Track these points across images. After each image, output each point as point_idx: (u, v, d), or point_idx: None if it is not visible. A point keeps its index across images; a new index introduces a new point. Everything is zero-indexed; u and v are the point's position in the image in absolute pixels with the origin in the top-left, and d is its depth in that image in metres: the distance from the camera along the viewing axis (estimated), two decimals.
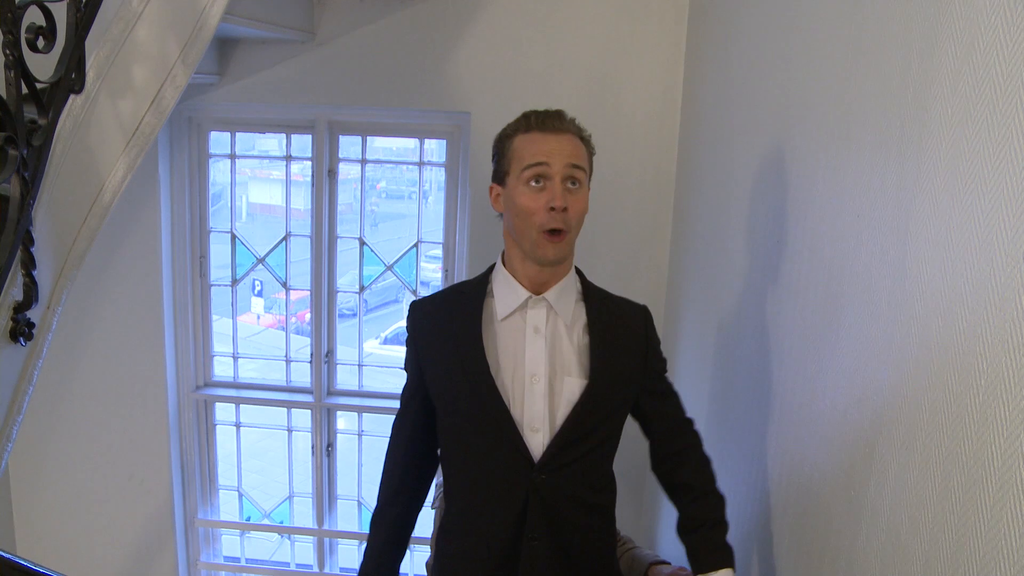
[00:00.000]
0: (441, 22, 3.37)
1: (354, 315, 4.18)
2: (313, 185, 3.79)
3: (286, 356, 4.12)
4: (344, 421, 4.25)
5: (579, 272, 1.89)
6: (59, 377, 3.79)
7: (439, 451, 1.93)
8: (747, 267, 2.20)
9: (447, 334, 1.82)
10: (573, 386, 1.77)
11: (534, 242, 1.69)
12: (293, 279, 4.03)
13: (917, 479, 1.20)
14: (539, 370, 1.76)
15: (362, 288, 4.01)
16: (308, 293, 3.96)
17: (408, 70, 3.44)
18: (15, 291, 1.91)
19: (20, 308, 1.92)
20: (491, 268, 1.89)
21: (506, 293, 1.80)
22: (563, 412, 1.76)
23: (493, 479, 1.80)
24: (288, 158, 3.87)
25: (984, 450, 1.00)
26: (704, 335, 2.70)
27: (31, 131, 1.82)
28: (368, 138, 3.82)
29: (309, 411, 4.06)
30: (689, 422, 1.96)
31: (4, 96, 1.71)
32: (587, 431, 1.78)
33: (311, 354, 4.00)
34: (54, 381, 3.78)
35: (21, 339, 1.93)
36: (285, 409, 4.12)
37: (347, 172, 3.89)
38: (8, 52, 1.70)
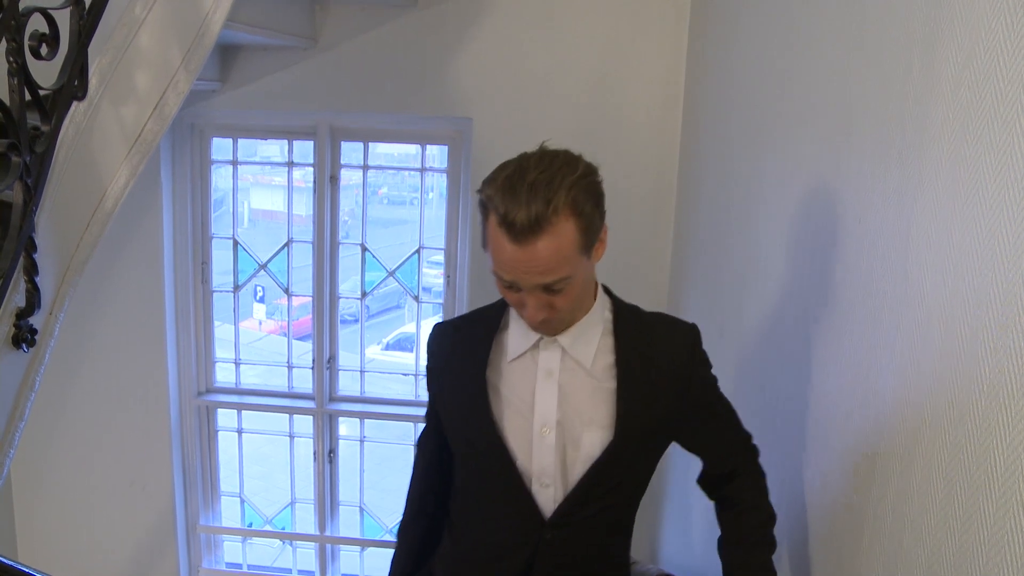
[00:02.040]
0: (442, 28, 3.37)
1: (356, 321, 4.18)
2: (315, 191, 3.80)
3: (288, 362, 4.13)
4: (346, 427, 4.25)
5: (608, 293, 1.63)
6: (61, 383, 3.79)
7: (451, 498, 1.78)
8: (748, 272, 2.20)
9: (458, 368, 1.63)
10: (594, 440, 1.53)
11: (524, 318, 1.47)
12: (295, 285, 4.03)
13: (920, 484, 1.20)
14: (549, 420, 1.53)
15: (364, 294, 4.02)
16: (310, 299, 3.96)
17: (410, 76, 3.44)
18: (18, 297, 1.92)
19: (23, 314, 1.92)
20: None
21: (518, 331, 1.58)
22: (580, 468, 1.54)
23: (498, 529, 1.63)
24: (290, 164, 3.87)
25: (986, 455, 1.00)
26: (706, 340, 2.69)
27: (34, 138, 1.83)
28: (370, 144, 3.82)
29: (311, 417, 4.06)
30: (745, 440, 1.75)
31: (7, 103, 1.72)
32: (608, 488, 1.57)
33: (313, 360, 4.00)
34: (56, 387, 3.78)
35: (24, 345, 1.93)
36: (287, 415, 4.12)
37: (349, 178, 3.90)
38: (12, 59, 1.71)
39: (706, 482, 1.78)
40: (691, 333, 1.63)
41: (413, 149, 3.90)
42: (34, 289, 1.93)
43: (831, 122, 1.64)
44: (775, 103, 2.03)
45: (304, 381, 4.08)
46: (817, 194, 1.70)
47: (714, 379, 1.67)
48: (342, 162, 3.82)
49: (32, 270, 1.91)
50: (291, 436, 4.16)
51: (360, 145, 3.81)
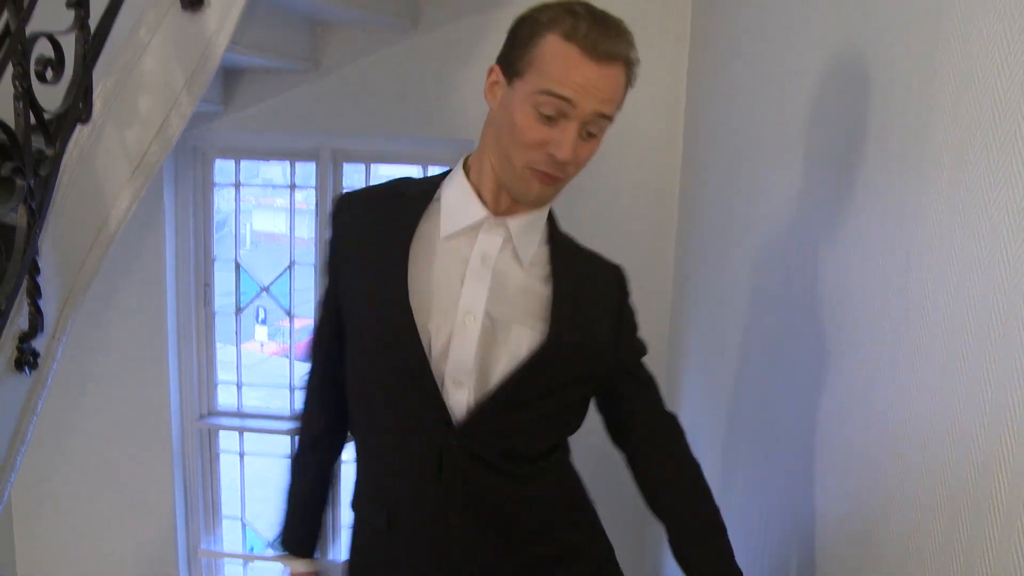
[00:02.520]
0: (444, 51, 3.39)
1: None
2: (317, 213, 3.81)
3: (290, 384, 4.12)
4: (350, 450, 4.22)
5: (551, 214, 1.51)
6: (62, 405, 3.79)
7: (348, 398, 1.56)
8: (751, 292, 2.20)
9: (370, 241, 1.43)
10: (522, 338, 1.38)
11: (517, 174, 1.33)
12: (297, 307, 4.03)
13: (925, 508, 1.19)
14: (475, 308, 1.36)
15: None
16: (312, 321, 3.95)
17: (412, 99, 3.46)
18: (21, 320, 1.92)
19: (25, 337, 1.93)
20: (446, 172, 1.50)
21: (458, 205, 1.41)
22: (502, 368, 1.38)
23: (400, 437, 1.44)
24: (292, 187, 3.88)
25: (989, 478, 1.00)
26: (709, 361, 2.70)
27: (38, 161, 1.84)
28: (372, 165, 3.83)
29: None
30: (674, 416, 1.62)
31: (12, 126, 1.73)
32: (528, 397, 1.40)
33: None
34: (56, 409, 3.77)
35: (26, 368, 1.93)
36: (289, 437, 4.11)
37: None
38: (17, 84, 1.72)
39: (637, 464, 1.61)
40: (620, 271, 1.58)
41: (415, 169, 3.92)
42: (37, 312, 1.93)
43: (831, 140, 1.65)
44: (775, 120, 2.04)
45: None
46: (818, 212, 1.71)
47: (644, 344, 1.62)
48: (344, 184, 3.83)
49: (35, 293, 1.91)
50: None
51: (362, 167, 3.82)
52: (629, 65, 1.31)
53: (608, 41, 1.25)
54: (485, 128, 1.42)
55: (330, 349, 1.56)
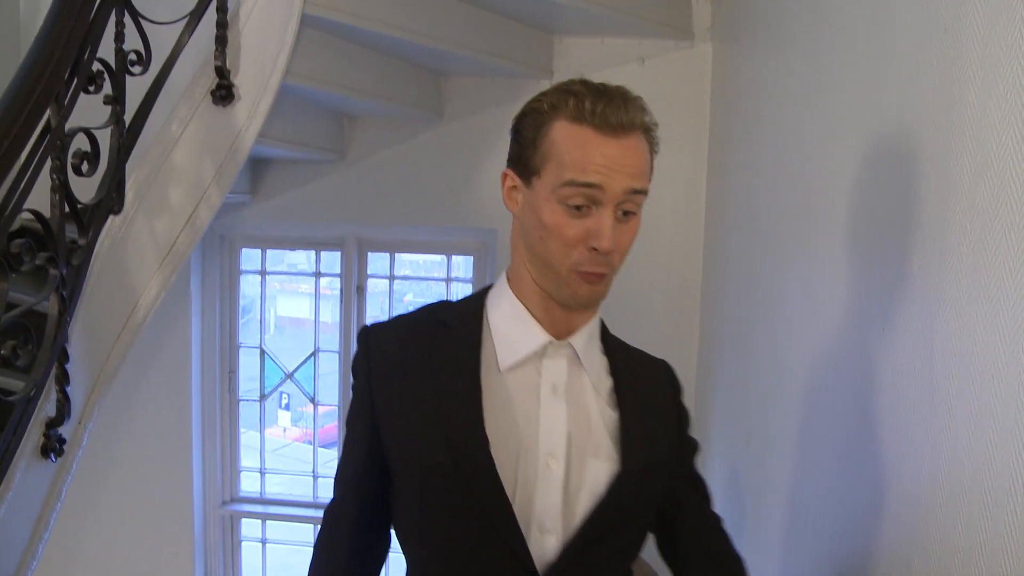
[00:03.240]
0: (467, 141, 3.46)
1: None
2: (342, 302, 3.85)
3: (313, 471, 4.10)
4: None
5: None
6: (85, 492, 3.78)
7: (400, 539, 1.37)
8: (775, 378, 2.19)
9: (421, 380, 1.26)
10: (599, 473, 1.24)
11: (562, 279, 1.19)
12: (320, 393, 4.04)
13: None
14: (558, 449, 1.22)
15: None
16: (336, 407, 3.96)
17: (435, 188, 3.52)
18: (48, 407, 1.94)
19: (52, 424, 1.95)
20: (485, 290, 1.35)
21: (515, 331, 1.27)
22: (584, 507, 1.23)
23: None
24: (317, 274, 3.93)
25: (1021, 564, 0.98)
26: (734, 447, 2.67)
27: (71, 250, 1.89)
28: (396, 255, 3.89)
29: None
30: (720, 519, 1.50)
31: (47, 216, 1.78)
32: (612, 533, 1.26)
33: None
34: (79, 494, 3.76)
35: (52, 455, 1.95)
36: (312, 525, 4.08)
37: (375, 286, 3.95)
38: (55, 176, 1.78)
39: (683, 567, 1.45)
40: (668, 368, 1.44)
41: (439, 257, 3.96)
42: (65, 399, 1.96)
43: (853, 230, 1.66)
44: (797, 211, 2.06)
45: (330, 491, 4.04)
46: (841, 303, 1.71)
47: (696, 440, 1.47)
48: (369, 272, 3.88)
49: (64, 380, 1.94)
50: None
51: (387, 255, 3.88)
52: (648, 131, 1.20)
53: (619, 112, 1.14)
54: (514, 240, 1.30)
55: (363, 510, 1.37)
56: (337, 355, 3.89)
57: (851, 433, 1.63)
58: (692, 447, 1.46)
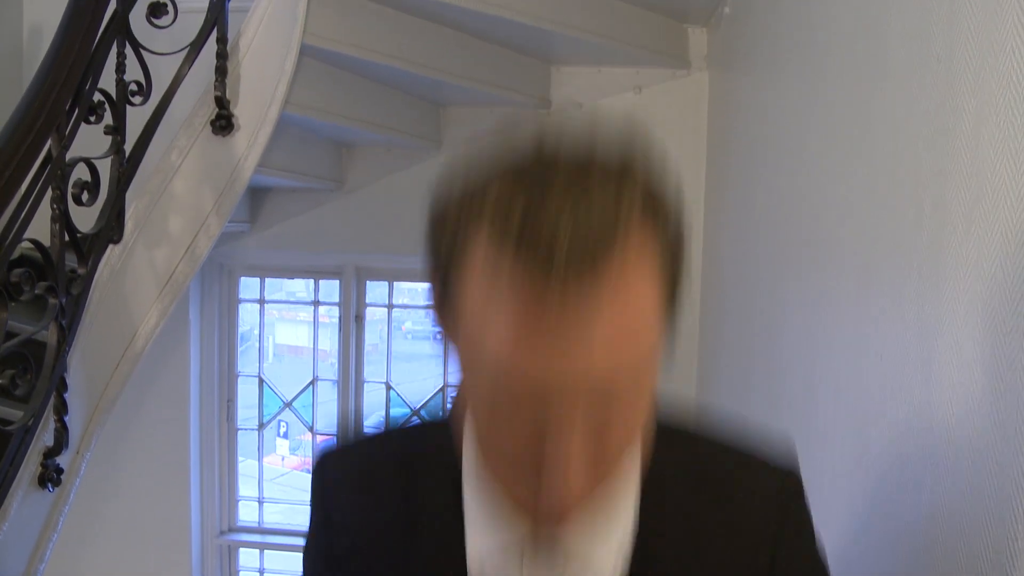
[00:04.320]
0: None
1: None
2: (340, 330, 3.84)
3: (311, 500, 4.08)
4: None
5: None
6: (83, 521, 3.76)
7: None
8: (771, 411, 2.19)
9: (392, 548, 0.89)
10: None
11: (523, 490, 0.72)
12: (319, 420, 4.03)
13: None
14: None
15: None
16: (334, 436, 3.95)
17: None
18: (46, 436, 1.94)
19: (50, 454, 1.94)
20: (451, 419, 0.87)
21: (485, 510, 0.82)
22: None
23: None
24: (316, 303, 3.93)
25: None
26: None
27: (70, 280, 1.89)
28: (394, 283, 3.89)
29: None
30: None
31: (47, 245, 1.78)
32: None
33: None
34: (76, 523, 3.74)
35: (49, 485, 1.94)
36: None
37: (373, 314, 3.95)
38: (55, 206, 1.78)
39: None
40: (783, 485, 0.92)
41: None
42: (63, 428, 1.95)
43: (849, 261, 1.66)
44: (793, 236, 2.07)
45: None
46: (837, 327, 1.71)
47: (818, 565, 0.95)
48: (367, 301, 3.88)
49: (62, 409, 1.94)
50: None
51: (385, 284, 3.88)
52: (629, 245, 0.62)
53: (565, 218, 0.59)
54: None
55: None
56: (335, 384, 3.88)
57: (848, 460, 1.63)
58: None
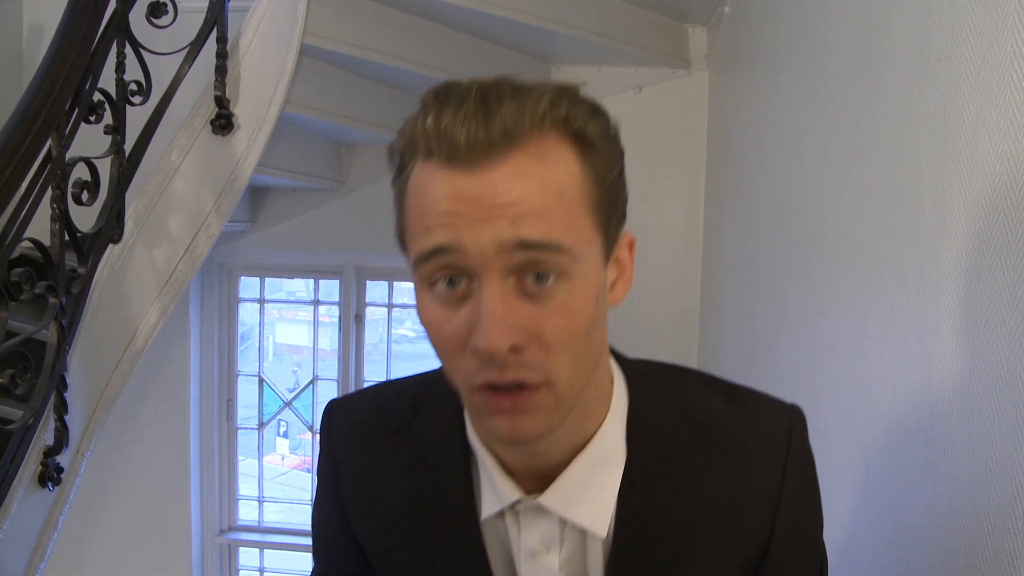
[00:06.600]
0: None
1: None
2: (340, 330, 3.84)
3: (311, 499, 4.08)
4: None
5: (622, 363, 0.91)
6: (83, 520, 3.76)
7: None
8: None
9: (404, 513, 0.92)
10: None
11: (473, 407, 0.76)
12: (318, 420, 4.02)
13: None
14: None
15: None
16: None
17: None
18: (46, 436, 1.94)
19: (50, 453, 1.94)
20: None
21: (485, 472, 0.86)
22: None
23: None
24: (316, 303, 3.94)
25: None
26: None
27: (70, 279, 1.89)
28: (394, 283, 3.89)
29: None
30: None
31: (47, 244, 1.78)
32: None
33: None
34: (76, 522, 3.74)
35: (49, 484, 1.94)
36: (310, 554, 4.04)
37: (373, 314, 3.95)
38: (55, 205, 1.78)
39: None
40: (786, 439, 0.97)
41: None
42: (63, 428, 1.95)
43: (850, 259, 1.66)
44: (793, 237, 2.07)
45: None
46: (838, 329, 1.71)
47: (817, 551, 1.03)
48: (367, 300, 3.88)
49: (62, 408, 1.94)
50: None
51: (385, 284, 3.88)
52: (539, 138, 0.71)
53: (475, 121, 0.69)
54: None
55: None
56: (335, 384, 3.88)
57: (849, 463, 1.63)
58: (795, 560, 0.98)
